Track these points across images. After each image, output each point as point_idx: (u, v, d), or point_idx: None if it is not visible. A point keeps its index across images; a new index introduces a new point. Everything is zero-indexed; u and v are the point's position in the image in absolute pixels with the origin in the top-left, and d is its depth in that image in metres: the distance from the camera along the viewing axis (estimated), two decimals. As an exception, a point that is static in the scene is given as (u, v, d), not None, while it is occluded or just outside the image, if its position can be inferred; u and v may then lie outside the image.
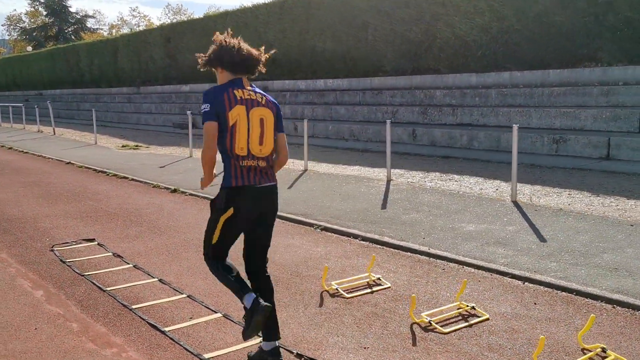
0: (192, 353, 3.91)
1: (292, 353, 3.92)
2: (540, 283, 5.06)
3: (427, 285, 5.16)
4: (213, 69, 3.69)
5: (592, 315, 3.98)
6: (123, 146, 18.23)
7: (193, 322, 4.45)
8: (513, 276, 5.25)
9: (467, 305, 4.55)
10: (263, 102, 3.55)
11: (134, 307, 4.78)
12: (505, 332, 4.16)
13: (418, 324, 4.33)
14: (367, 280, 5.25)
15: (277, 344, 3.67)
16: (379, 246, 6.43)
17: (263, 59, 3.63)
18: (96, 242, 6.83)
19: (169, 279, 5.48)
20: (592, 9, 14.25)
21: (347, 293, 4.97)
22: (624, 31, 13.71)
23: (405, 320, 4.41)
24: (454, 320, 4.39)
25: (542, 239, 6.18)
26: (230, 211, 3.47)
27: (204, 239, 3.64)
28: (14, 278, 5.57)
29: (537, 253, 5.76)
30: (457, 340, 4.05)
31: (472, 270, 5.51)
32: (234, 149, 3.43)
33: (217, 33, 3.69)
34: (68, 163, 14.51)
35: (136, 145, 18.13)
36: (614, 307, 4.53)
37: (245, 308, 3.45)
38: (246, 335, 3.47)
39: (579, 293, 4.80)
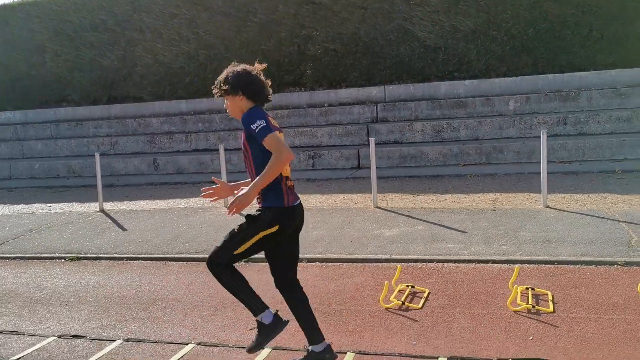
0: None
1: (492, 363, 3.88)
2: (520, 262, 5.96)
3: (455, 284, 5.48)
4: (225, 95, 3.78)
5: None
6: None
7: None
8: (491, 261, 6.02)
9: (525, 288, 5.11)
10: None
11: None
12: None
13: (519, 312, 4.70)
14: (406, 291, 5.27)
15: (328, 343, 3.86)
16: (337, 264, 6.36)
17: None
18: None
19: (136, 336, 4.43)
20: (294, 39, 15.99)
21: (410, 304, 4.95)
22: (323, 59, 15.83)
23: (506, 311, 4.73)
24: (536, 301, 4.89)
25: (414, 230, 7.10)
26: (275, 228, 3.61)
27: (221, 247, 3.60)
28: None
29: (462, 240, 6.64)
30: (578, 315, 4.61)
31: (452, 265, 6.03)
32: (283, 170, 3.60)
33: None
34: None
35: None
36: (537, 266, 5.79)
37: (260, 324, 3.64)
38: (254, 350, 3.71)
39: (514, 262, 5.96)
